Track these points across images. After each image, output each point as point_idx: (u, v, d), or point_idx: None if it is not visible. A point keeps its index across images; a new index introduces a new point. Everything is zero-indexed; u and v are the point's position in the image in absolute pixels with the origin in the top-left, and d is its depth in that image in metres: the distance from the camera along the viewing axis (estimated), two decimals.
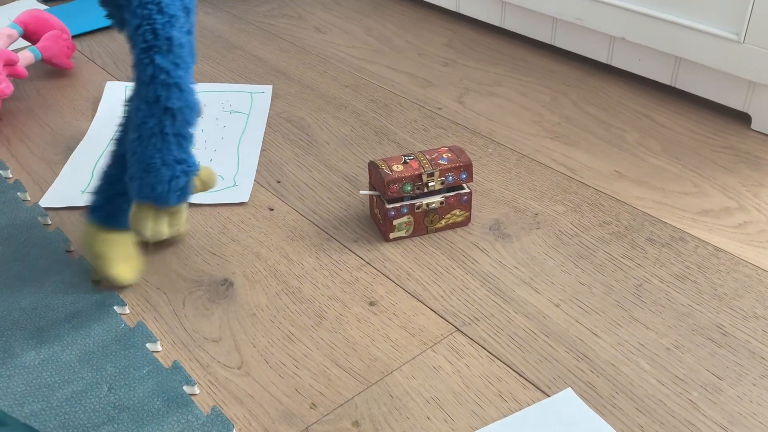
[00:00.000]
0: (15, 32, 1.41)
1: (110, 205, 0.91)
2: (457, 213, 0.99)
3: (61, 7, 1.74)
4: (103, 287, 0.92)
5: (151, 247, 0.99)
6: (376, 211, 1.00)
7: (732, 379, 0.78)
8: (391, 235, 0.99)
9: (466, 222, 1.01)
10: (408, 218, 0.97)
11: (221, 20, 1.71)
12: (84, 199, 1.10)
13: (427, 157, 0.98)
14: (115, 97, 1.35)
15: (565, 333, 0.84)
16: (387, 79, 1.41)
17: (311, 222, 1.04)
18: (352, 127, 1.26)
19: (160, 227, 0.85)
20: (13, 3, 1.84)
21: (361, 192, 0.99)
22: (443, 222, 0.99)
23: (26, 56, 1.40)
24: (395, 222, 0.97)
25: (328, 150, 1.19)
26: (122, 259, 0.92)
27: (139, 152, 0.80)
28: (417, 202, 0.96)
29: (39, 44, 1.41)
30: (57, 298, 0.91)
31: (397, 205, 0.96)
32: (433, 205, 0.97)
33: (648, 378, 0.78)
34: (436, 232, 1.00)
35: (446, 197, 0.97)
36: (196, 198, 1.07)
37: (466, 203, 0.99)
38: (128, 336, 0.85)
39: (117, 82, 1.40)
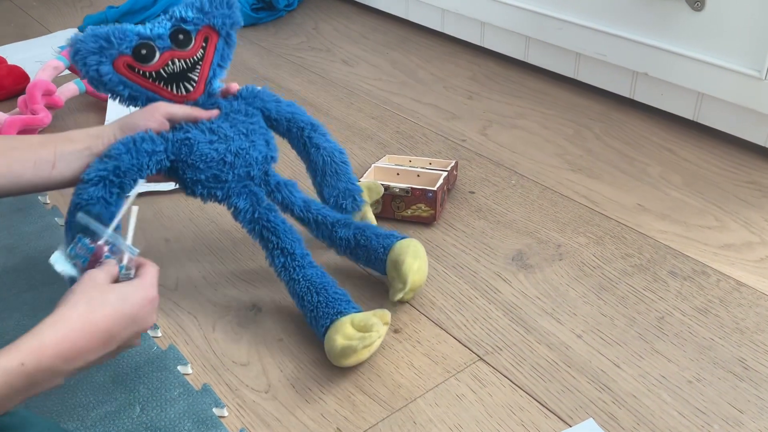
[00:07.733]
0: (61, 64, 1.46)
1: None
2: (423, 207, 1.07)
3: None
4: None
5: (181, 273, 1.02)
6: None
7: (753, 412, 0.78)
8: None
9: (431, 219, 1.09)
10: None
11: (252, 52, 1.76)
12: None
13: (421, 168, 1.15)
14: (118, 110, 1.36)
15: (587, 364, 0.85)
16: (412, 111, 1.44)
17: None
18: (378, 158, 1.29)
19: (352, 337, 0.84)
20: (56, 32, 1.91)
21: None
22: (409, 212, 1.09)
23: (71, 89, 1.44)
24: None
25: None
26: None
27: None
28: (386, 183, 1.08)
29: None
30: None
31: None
32: (398, 191, 1.07)
33: (669, 410, 0.79)
34: (402, 219, 1.10)
35: (412, 188, 1.07)
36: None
37: (431, 200, 1.07)
38: (160, 358, 0.88)
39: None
